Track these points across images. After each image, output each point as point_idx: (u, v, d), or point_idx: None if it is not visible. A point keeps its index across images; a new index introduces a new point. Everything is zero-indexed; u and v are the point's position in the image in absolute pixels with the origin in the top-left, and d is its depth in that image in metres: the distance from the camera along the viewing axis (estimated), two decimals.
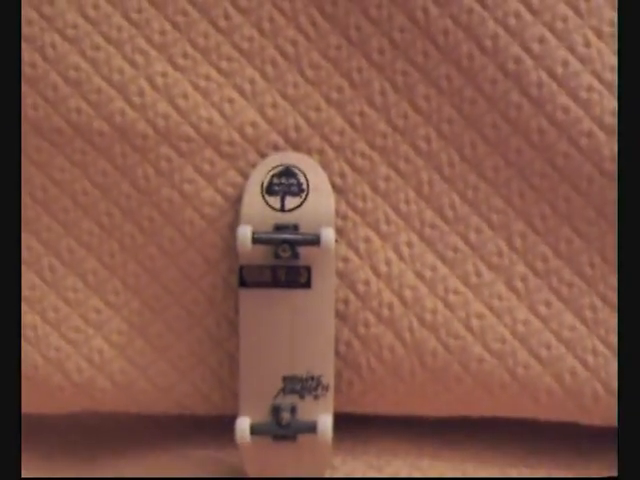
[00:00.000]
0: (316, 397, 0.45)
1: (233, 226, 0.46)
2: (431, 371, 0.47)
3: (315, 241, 0.44)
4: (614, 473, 0.39)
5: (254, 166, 0.46)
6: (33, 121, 0.46)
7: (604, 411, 0.46)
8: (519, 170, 0.46)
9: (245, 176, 0.46)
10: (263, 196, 0.45)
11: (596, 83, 0.45)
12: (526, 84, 0.45)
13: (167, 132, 0.46)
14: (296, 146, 0.47)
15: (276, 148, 0.47)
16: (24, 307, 0.47)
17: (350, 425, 0.49)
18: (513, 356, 0.46)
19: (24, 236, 0.47)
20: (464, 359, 0.47)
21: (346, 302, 0.47)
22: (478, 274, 0.47)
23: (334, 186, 0.46)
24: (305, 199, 0.45)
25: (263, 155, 0.46)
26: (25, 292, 0.47)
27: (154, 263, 0.47)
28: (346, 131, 0.46)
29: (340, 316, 0.47)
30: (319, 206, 0.45)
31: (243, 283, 0.45)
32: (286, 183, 0.45)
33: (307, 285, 0.45)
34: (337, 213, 0.47)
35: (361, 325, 0.47)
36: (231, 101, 0.46)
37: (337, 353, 0.46)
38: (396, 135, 0.46)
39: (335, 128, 0.47)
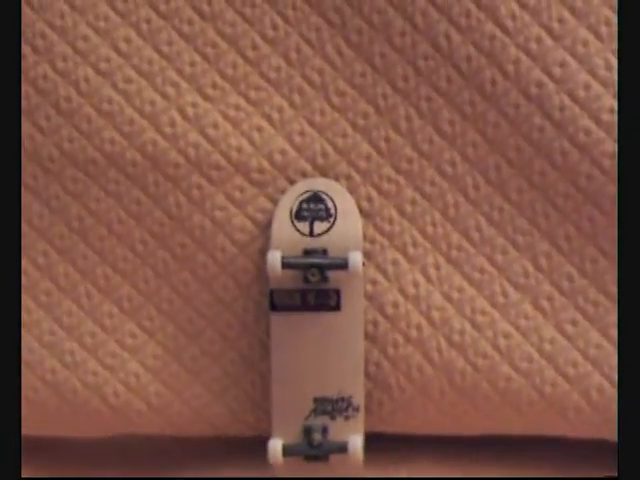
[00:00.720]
0: (347, 418, 0.46)
1: (263, 251, 0.47)
2: (460, 390, 0.48)
3: (343, 265, 0.45)
4: None
5: (283, 192, 0.47)
6: (69, 153, 0.48)
7: None
8: (543, 191, 0.47)
9: (274, 202, 0.47)
10: (292, 222, 0.46)
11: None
12: (548, 107, 0.46)
13: (198, 161, 0.47)
14: (324, 172, 0.48)
15: (304, 174, 0.48)
16: (62, 334, 0.49)
17: (381, 445, 0.50)
18: (540, 374, 0.47)
19: (61, 265, 0.49)
20: (492, 378, 0.47)
21: (375, 324, 0.48)
22: (505, 294, 0.47)
23: (361, 210, 0.47)
24: (333, 224, 0.46)
25: (292, 182, 0.48)
26: (63, 319, 0.49)
27: (187, 288, 0.48)
28: (372, 156, 0.47)
29: (369, 338, 0.47)
30: (347, 230, 0.46)
31: (274, 307, 0.46)
32: (314, 208, 0.47)
33: (337, 308, 0.46)
34: (365, 237, 0.47)
35: (390, 346, 0.48)
36: (260, 130, 0.48)
37: (367, 374, 0.47)
38: (422, 159, 0.47)
39: (361, 154, 0.48)
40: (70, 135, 0.48)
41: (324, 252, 0.46)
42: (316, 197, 0.47)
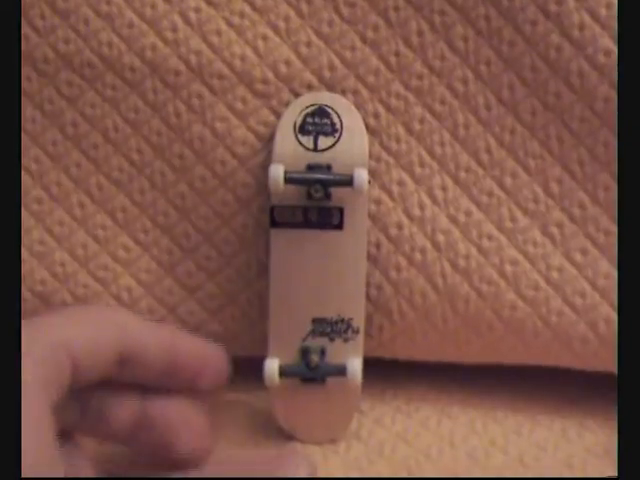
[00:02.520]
0: (346, 340, 0.45)
1: (265, 166, 0.45)
2: (463, 317, 0.46)
3: (348, 182, 0.43)
4: None
5: (287, 105, 0.46)
6: (64, 55, 0.46)
7: None
8: (557, 114, 0.45)
9: (278, 115, 0.46)
10: (296, 136, 0.44)
11: None
12: (567, 25, 0.44)
13: (199, 69, 0.45)
14: (330, 86, 0.46)
15: (310, 87, 0.46)
16: (52, 244, 0.47)
17: (380, 370, 0.48)
18: (546, 304, 0.46)
19: (53, 172, 0.47)
20: (497, 306, 0.46)
21: (378, 245, 0.46)
22: (513, 219, 0.46)
23: (368, 127, 0.45)
24: (338, 139, 0.44)
25: (297, 94, 0.46)
26: (54, 229, 0.47)
27: (184, 201, 0.47)
28: (381, 71, 0.46)
29: (371, 259, 0.46)
30: (352, 147, 0.44)
31: (274, 223, 0.44)
32: (319, 123, 0.45)
33: (339, 227, 0.44)
34: (370, 155, 0.46)
35: (393, 269, 0.46)
36: (265, 38, 0.46)
37: (368, 297, 0.46)
38: (432, 76, 0.45)
39: (370, 68, 0.46)
40: (66, 36, 0.46)
41: (328, 168, 0.44)
42: (321, 111, 0.45)
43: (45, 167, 0.47)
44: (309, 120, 0.45)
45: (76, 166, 0.47)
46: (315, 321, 0.45)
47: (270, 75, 0.46)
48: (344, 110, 0.45)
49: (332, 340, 0.45)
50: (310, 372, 0.45)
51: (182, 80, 0.46)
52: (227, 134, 0.46)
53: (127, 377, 0.39)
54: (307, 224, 0.44)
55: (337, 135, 0.45)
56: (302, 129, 0.45)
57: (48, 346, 0.36)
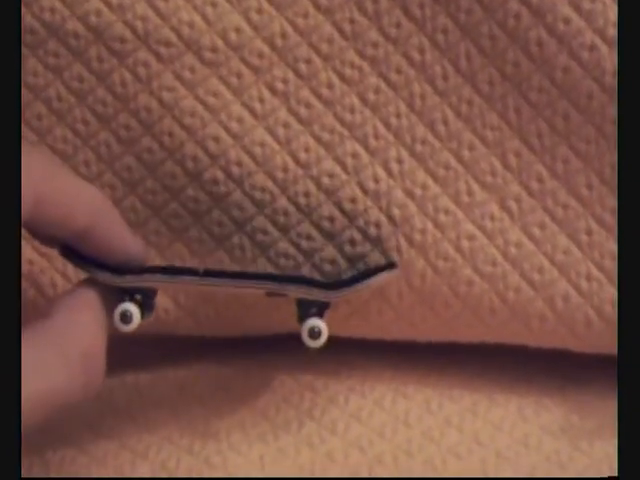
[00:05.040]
0: None
1: (215, 137, 0.44)
2: (419, 293, 0.45)
3: None
4: (612, 398, 0.38)
5: (237, 75, 0.44)
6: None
7: (596, 338, 0.44)
8: (516, 84, 0.44)
9: (227, 85, 0.44)
10: None
11: None
12: None
13: (146, 36, 0.44)
14: (282, 54, 0.44)
15: (261, 56, 0.44)
16: None
17: (334, 349, 0.47)
18: (504, 279, 0.45)
19: None
20: (453, 282, 0.45)
21: (332, 219, 0.45)
22: (470, 193, 0.45)
23: (321, 97, 0.44)
24: None
25: (247, 63, 0.44)
26: None
27: (131, 174, 0.45)
28: (335, 39, 0.44)
29: (325, 234, 0.45)
30: None
31: None
32: None
33: None
34: (324, 126, 0.44)
35: (347, 244, 0.45)
36: (214, 5, 0.44)
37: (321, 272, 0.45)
38: (388, 44, 0.44)
39: (323, 36, 0.44)
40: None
41: None
42: None
43: None
44: None
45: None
46: None
47: (220, 43, 0.44)
48: None
49: None
50: None
51: (128, 47, 0.44)
52: (174, 104, 0.44)
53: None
54: None
55: None
56: None
57: None
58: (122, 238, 0.40)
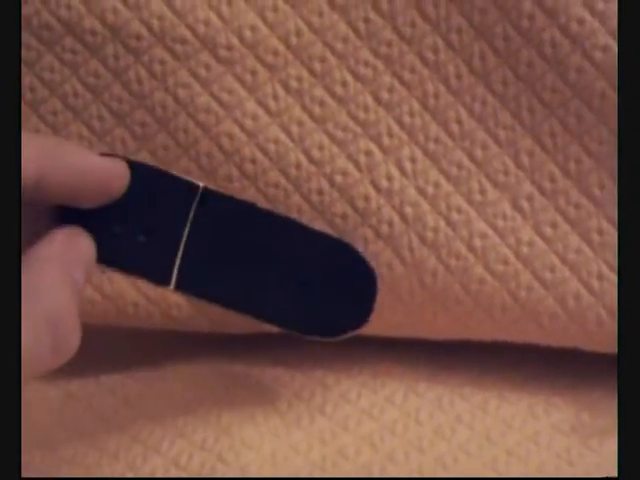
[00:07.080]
0: None
1: (229, 134, 0.44)
2: (430, 291, 0.45)
3: None
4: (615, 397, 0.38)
5: (252, 73, 0.44)
6: (22, 16, 0.44)
7: (607, 337, 0.45)
8: (529, 84, 0.44)
9: (242, 82, 0.44)
10: None
11: None
12: None
13: (162, 33, 0.44)
14: (296, 52, 0.44)
15: (276, 54, 0.45)
16: None
17: (346, 345, 0.47)
18: (516, 278, 0.45)
19: None
20: (465, 280, 0.45)
21: (344, 217, 0.45)
22: (482, 192, 0.45)
23: (335, 95, 0.44)
24: None
25: (262, 61, 0.44)
26: None
27: None
28: (350, 38, 0.44)
29: (338, 231, 0.45)
30: None
31: None
32: None
33: None
34: (337, 124, 0.45)
35: (359, 241, 0.45)
36: (229, 3, 0.44)
37: None
38: (402, 44, 0.44)
39: (338, 34, 0.44)
40: None
41: None
42: None
43: None
44: None
45: (34, 131, 0.46)
46: None
47: (235, 41, 0.44)
48: None
49: None
50: None
51: (144, 45, 0.44)
52: (190, 101, 0.45)
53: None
54: None
55: None
56: None
57: None
58: (81, 166, 0.38)
